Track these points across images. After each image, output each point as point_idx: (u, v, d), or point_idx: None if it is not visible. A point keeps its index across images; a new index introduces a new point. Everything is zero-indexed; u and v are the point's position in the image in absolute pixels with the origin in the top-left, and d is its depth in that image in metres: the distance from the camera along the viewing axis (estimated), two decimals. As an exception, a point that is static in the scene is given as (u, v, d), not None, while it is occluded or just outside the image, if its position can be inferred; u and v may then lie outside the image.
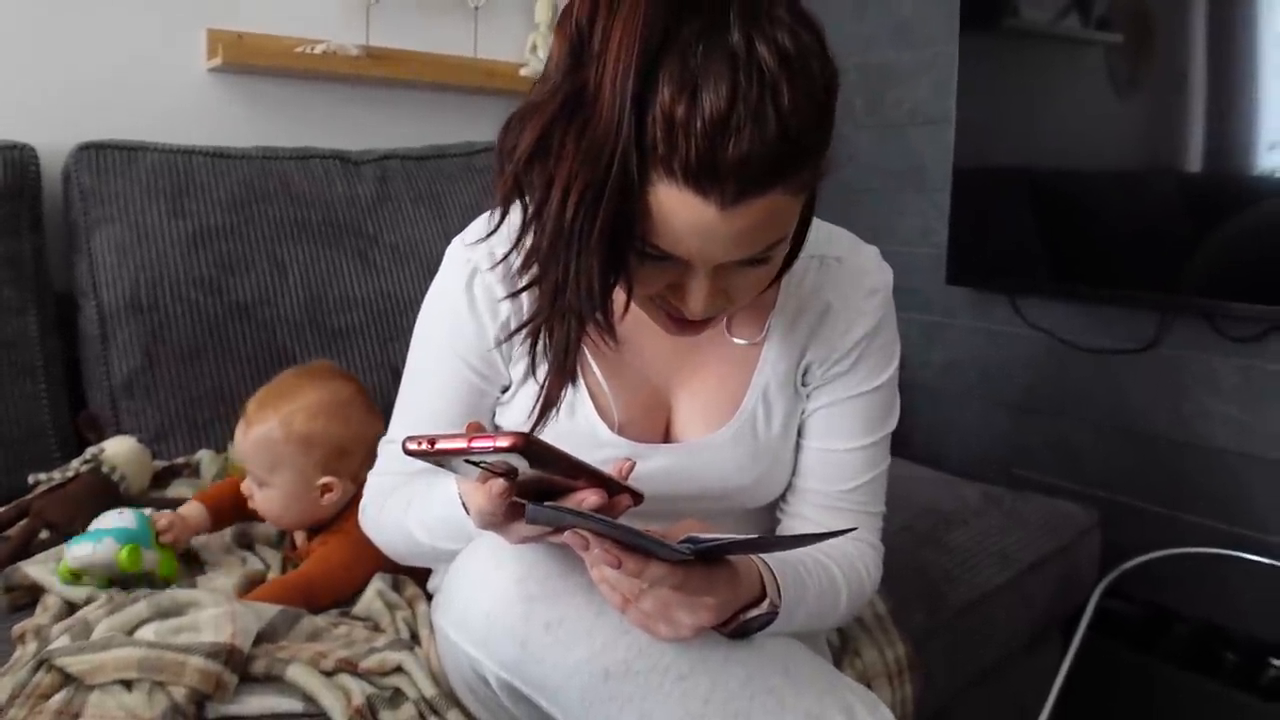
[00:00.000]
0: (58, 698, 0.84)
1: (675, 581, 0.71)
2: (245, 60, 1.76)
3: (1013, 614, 1.38)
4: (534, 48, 2.09)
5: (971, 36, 1.85)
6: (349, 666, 0.92)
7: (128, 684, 0.85)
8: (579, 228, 0.68)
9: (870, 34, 2.12)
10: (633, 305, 0.78)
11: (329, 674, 0.91)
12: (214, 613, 0.92)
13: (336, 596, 1.09)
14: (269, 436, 1.12)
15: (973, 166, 1.86)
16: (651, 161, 0.67)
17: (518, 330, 0.82)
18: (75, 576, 1.05)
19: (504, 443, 0.60)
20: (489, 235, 0.82)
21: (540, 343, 0.81)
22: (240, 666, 0.88)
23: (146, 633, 0.91)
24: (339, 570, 1.11)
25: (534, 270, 0.75)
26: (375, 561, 1.08)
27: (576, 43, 0.69)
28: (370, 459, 1.06)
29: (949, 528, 1.41)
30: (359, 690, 0.90)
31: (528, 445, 0.61)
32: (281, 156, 1.69)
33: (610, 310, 0.75)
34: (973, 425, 2.00)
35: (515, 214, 0.77)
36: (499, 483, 0.67)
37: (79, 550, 1.05)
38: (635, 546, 0.70)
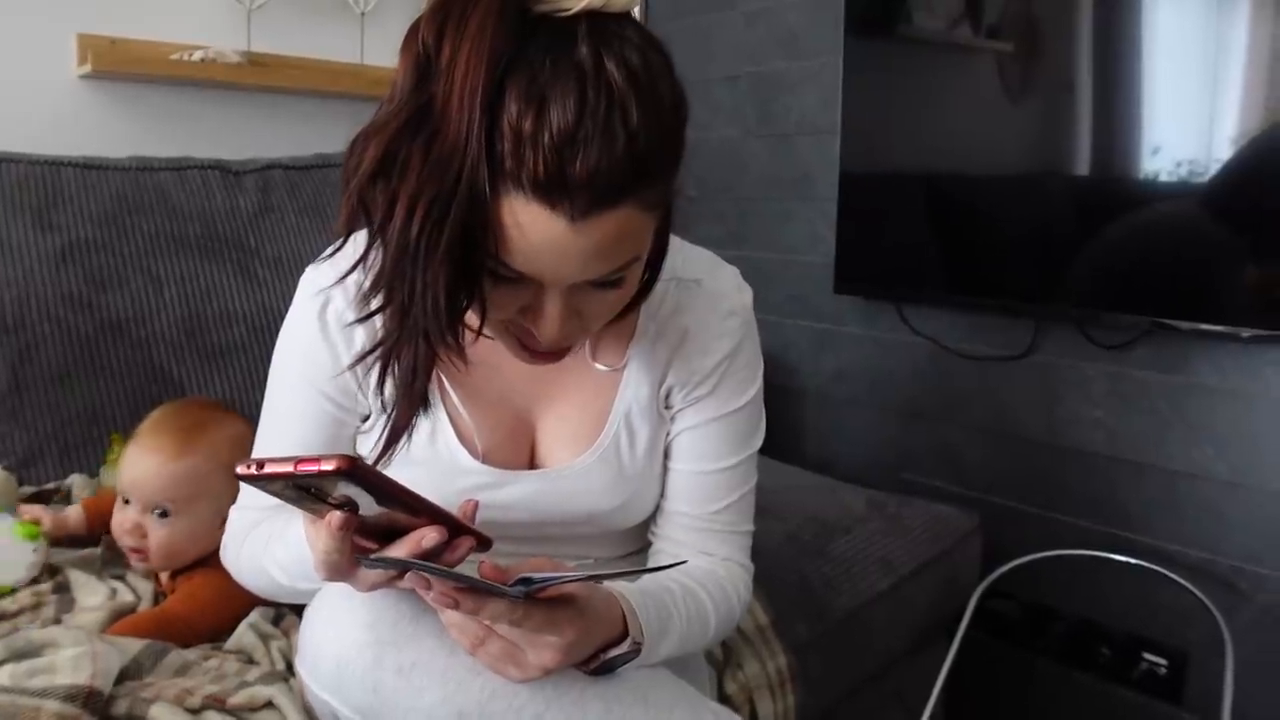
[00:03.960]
0: (-101, 750, 0.81)
1: (515, 618, 0.71)
2: (118, 67, 1.70)
3: (895, 619, 1.42)
4: (424, 55, 2.07)
5: (856, 45, 1.88)
6: (216, 703, 0.89)
7: (-24, 732, 0.82)
8: (424, 243, 0.67)
9: (759, 44, 2.15)
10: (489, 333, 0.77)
11: (195, 712, 0.88)
12: (73, 653, 0.88)
13: (197, 639, 1.05)
14: (198, 468, 1.10)
15: (858, 175, 1.90)
16: (501, 176, 0.67)
17: (364, 356, 0.80)
18: None
19: (329, 465, 0.60)
20: (332, 255, 0.81)
21: (390, 368, 0.79)
22: (100, 709, 0.85)
23: (0, 677, 0.87)
24: (207, 608, 1.08)
25: (382, 294, 0.74)
26: (244, 601, 1.05)
27: (423, 60, 0.68)
28: None
29: (832, 536, 1.44)
30: None
31: (352, 468, 0.60)
32: (157, 167, 1.64)
33: (461, 332, 0.74)
34: (861, 431, 2.05)
35: (364, 237, 0.75)
36: (337, 516, 0.66)
37: None
38: (471, 586, 0.70)
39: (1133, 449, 1.62)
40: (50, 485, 1.38)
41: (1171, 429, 1.58)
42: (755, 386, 0.97)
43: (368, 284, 0.75)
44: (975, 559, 1.62)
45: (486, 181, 0.67)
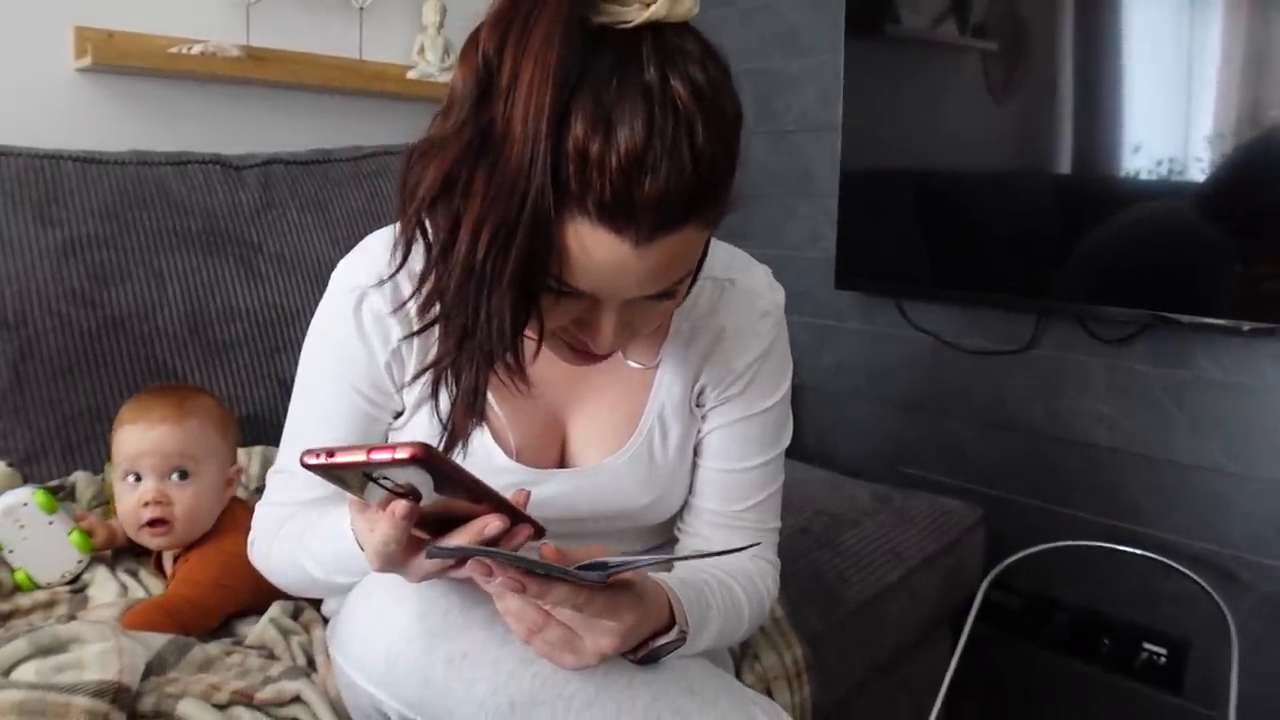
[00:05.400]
0: (-77, 746, 0.80)
1: (579, 602, 0.70)
2: (116, 60, 1.68)
3: (904, 611, 1.42)
4: (421, 50, 2.06)
5: (856, 43, 1.90)
6: (244, 699, 0.89)
7: (3, 727, 0.81)
8: (490, 269, 0.67)
9: (758, 42, 2.16)
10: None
11: (222, 707, 0.88)
12: (99, 648, 0.87)
13: (206, 618, 1.06)
14: (203, 426, 1.16)
15: (859, 172, 1.91)
16: (564, 199, 0.66)
17: (420, 374, 0.80)
18: None
19: (403, 454, 0.59)
20: (394, 275, 0.80)
21: (443, 383, 0.79)
22: (129, 705, 0.84)
23: (26, 672, 0.85)
24: (208, 585, 1.08)
25: (435, 310, 0.73)
26: (245, 576, 1.04)
27: (483, 76, 0.67)
28: None
29: (841, 529, 1.45)
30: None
31: (427, 455, 0.60)
32: (157, 162, 1.62)
33: (521, 352, 0.73)
34: (861, 425, 2.06)
35: (393, 232, 0.75)
36: (402, 504, 0.65)
37: None
38: (540, 572, 0.69)
39: (1135, 441, 1.64)
40: (53, 483, 1.36)
41: (1174, 422, 1.59)
42: (785, 386, 0.97)
43: (422, 299, 0.74)
44: (979, 551, 1.63)
45: (552, 205, 0.66)
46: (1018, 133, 1.70)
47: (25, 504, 1.12)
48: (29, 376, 1.39)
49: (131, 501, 1.13)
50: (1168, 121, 1.50)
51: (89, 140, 1.62)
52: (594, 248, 0.68)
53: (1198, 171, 1.46)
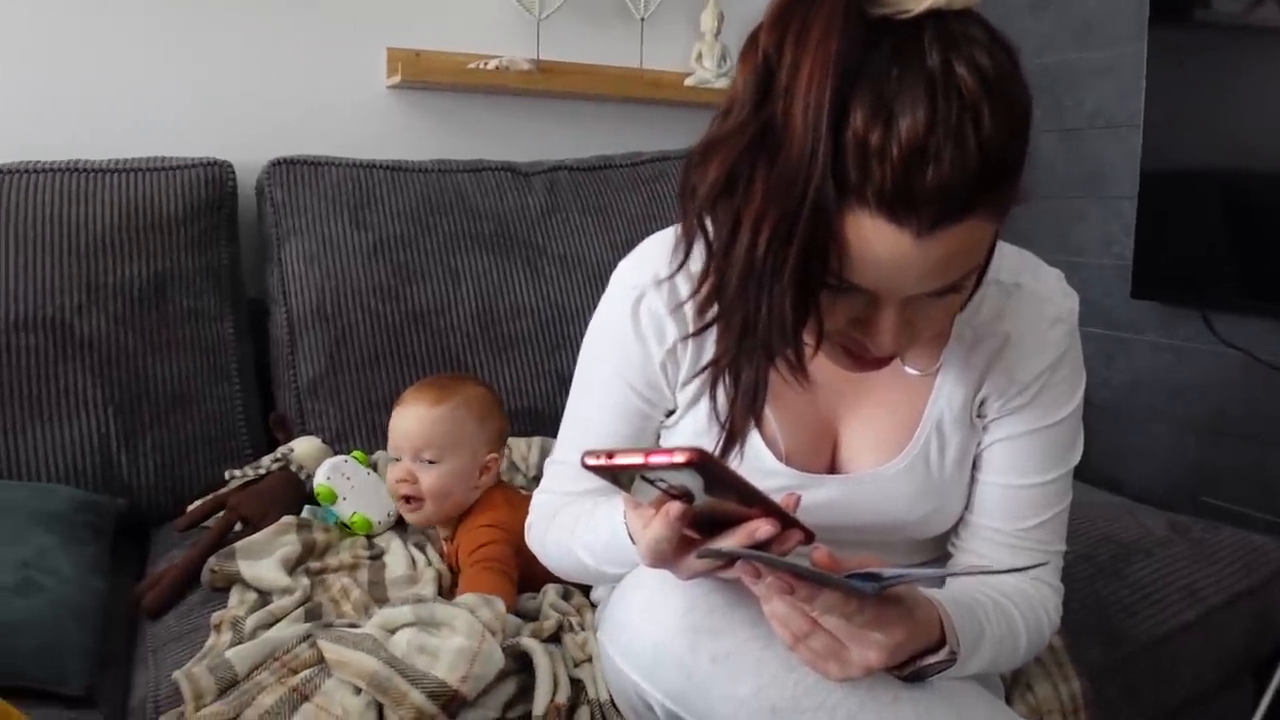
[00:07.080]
0: (303, 674, 0.91)
1: (847, 611, 0.69)
2: (422, 77, 1.83)
3: (1200, 655, 1.30)
4: (699, 57, 2.10)
5: (1161, 31, 1.75)
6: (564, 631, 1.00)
7: (357, 687, 0.90)
8: (771, 264, 0.66)
9: (1048, 34, 2.04)
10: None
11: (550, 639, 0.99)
12: (459, 644, 0.92)
13: (519, 555, 1.14)
14: (454, 413, 1.23)
15: (1161, 171, 1.76)
16: (844, 191, 0.65)
17: (700, 372, 0.81)
18: (330, 496, 1.28)
19: (680, 458, 0.60)
20: (674, 275, 0.82)
21: (720, 383, 0.80)
22: (456, 712, 0.89)
23: (400, 639, 0.93)
24: (504, 528, 1.17)
25: (715, 309, 0.74)
26: (514, 532, 1.13)
27: (764, 74, 0.67)
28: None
29: (1130, 559, 1.34)
30: (564, 675, 0.95)
31: (703, 461, 0.61)
32: (455, 169, 1.75)
33: (802, 348, 0.73)
34: (1156, 449, 1.89)
35: (674, 234, 0.76)
36: (676, 506, 0.67)
37: (325, 462, 1.31)
38: (811, 578, 0.69)
39: None
40: (361, 459, 1.50)
41: None
42: (1076, 400, 0.91)
43: (701, 299, 0.75)
44: (1293, 596, 1.45)
45: (832, 197, 0.65)
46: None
47: (346, 460, 1.33)
48: (342, 363, 1.54)
49: (392, 477, 1.25)
50: None
51: (397, 150, 1.78)
52: (874, 240, 0.66)
53: None
